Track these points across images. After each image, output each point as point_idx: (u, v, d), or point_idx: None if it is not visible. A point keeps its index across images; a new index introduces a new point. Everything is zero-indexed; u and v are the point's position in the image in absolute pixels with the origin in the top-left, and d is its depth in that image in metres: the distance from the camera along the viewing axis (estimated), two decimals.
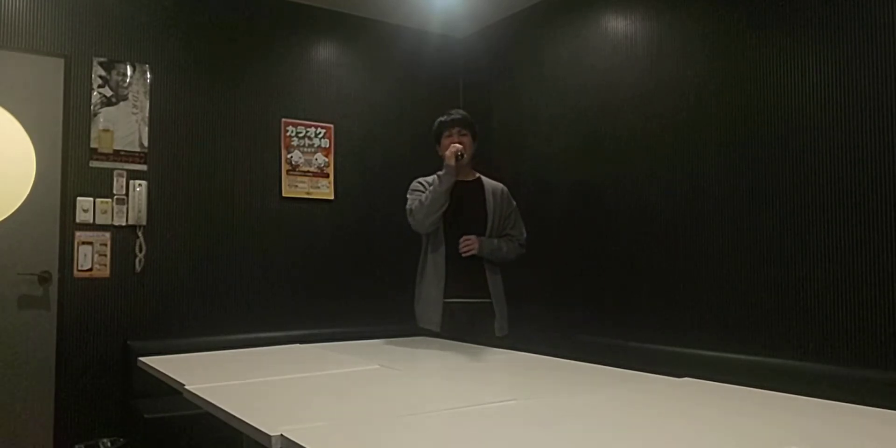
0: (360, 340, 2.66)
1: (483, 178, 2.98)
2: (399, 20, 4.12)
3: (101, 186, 3.25)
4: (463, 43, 4.39)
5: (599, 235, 3.40)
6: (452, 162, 2.71)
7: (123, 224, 3.29)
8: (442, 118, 2.93)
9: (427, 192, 2.77)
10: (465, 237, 2.80)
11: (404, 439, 1.14)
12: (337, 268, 3.87)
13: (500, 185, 2.99)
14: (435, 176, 2.79)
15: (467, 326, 2.81)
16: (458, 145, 2.76)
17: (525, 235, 3.00)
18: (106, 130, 3.28)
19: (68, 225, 3.17)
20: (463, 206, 2.86)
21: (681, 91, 3.04)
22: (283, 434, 1.16)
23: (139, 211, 3.29)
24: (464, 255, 2.79)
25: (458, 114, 2.93)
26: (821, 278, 2.53)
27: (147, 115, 3.38)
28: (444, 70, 4.32)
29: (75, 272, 3.17)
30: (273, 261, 3.69)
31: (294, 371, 1.87)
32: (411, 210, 2.82)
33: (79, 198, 3.20)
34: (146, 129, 3.37)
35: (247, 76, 3.67)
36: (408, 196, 2.88)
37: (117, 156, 3.30)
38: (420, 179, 2.92)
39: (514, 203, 3.01)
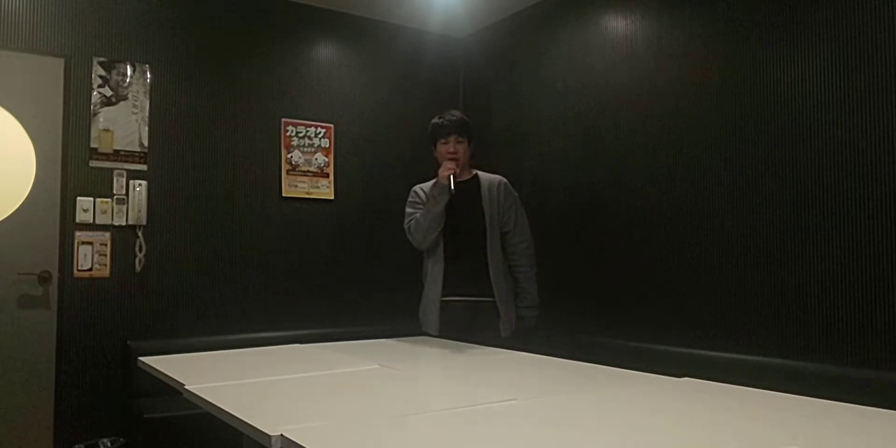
0: (360, 340, 2.67)
1: (480, 174, 2.95)
2: (399, 20, 4.12)
3: (101, 186, 3.25)
4: (463, 43, 4.38)
5: (599, 235, 3.40)
6: (446, 183, 2.67)
7: (123, 224, 3.28)
8: (436, 121, 2.88)
9: (423, 210, 2.76)
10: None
11: (404, 439, 1.14)
12: (337, 268, 3.87)
13: (497, 177, 2.94)
14: (430, 191, 2.76)
15: (467, 326, 2.81)
16: (451, 166, 2.70)
17: (529, 236, 2.94)
18: (106, 130, 3.28)
19: (68, 225, 3.17)
20: (459, 206, 2.82)
21: (681, 91, 3.04)
22: (283, 434, 1.16)
23: (139, 211, 3.29)
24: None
25: (452, 116, 2.87)
26: (821, 278, 2.53)
27: (147, 114, 3.38)
28: (444, 70, 4.32)
29: (75, 272, 3.17)
30: (273, 261, 3.68)
31: (294, 371, 1.87)
32: (409, 230, 2.82)
33: (79, 198, 3.19)
34: (146, 129, 3.37)
35: (247, 76, 3.67)
36: (406, 209, 2.87)
37: (117, 156, 3.30)
38: (417, 188, 2.90)
39: (516, 194, 2.96)
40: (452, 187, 2.66)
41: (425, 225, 2.74)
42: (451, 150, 2.81)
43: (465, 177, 2.92)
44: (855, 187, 2.44)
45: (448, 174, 2.67)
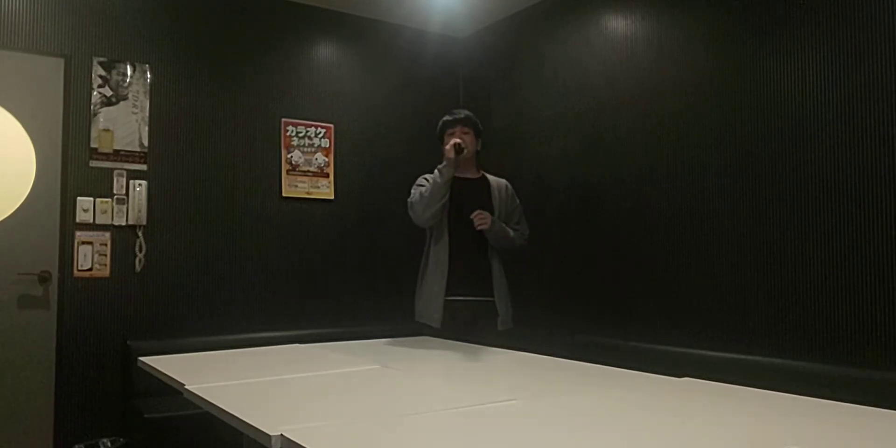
0: (360, 340, 2.67)
1: (487, 175, 3.02)
2: (399, 20, 4.12)
3: (101, 186, 3.25)
4: (463, 43, 4.38)
5: (599, 235, 3.40)
6: (452, 155, 2.76)
7: (123, 224, 3.28)
8: (446, 118, 2.99)
9: (427, 185, 2.80)
10: (478, 212, 2.81)
11: (404, 439, 1.14)
12: (337, 268, 3.87)
13: (503, 181, 3.05)
14: (436, 170, 2.81)
15: (469, 324, 2.82)
16: (457, 139, 2.81)
17: (528, 232, 3.06)
18: (106, 130, 3.28)
19: (68, 225, 3.17)
20: (468, 203, 2.88)
21: (681, 91, 3.04)
22: (283, 434, 1.16)
23: (139, 211, 3.29)
24: (478, 227, 2.81)
25: (461, 113, 2.98)
26: (821, 277, 2.53)
27: (147, 115, 3.38)
28: (444, 70, 4.32)
29: (75, 272, 3.17)
30: (273, 261, 3.68)
31: (294, 371, 1.87)
32: (412, 203, 2.85)
33: (79, 198, 3.19)
34: (146, 129, 3.37)
35: (247, 76, 3.67)
36: (412, 190, 2.91)
37: (117, 156, 3.30)
38: (426, 175, 2.94)
39: (518, 200, 3.06)
40: (458, 153, 2.75)
41: (428, 196, 2.77)
42: (457, 138, 2.88)
43: (474, 175, 2.97)
44: (855, 187, 2.44)
45: (453, 145, 2.76)
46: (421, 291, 2.91)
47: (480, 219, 2.81)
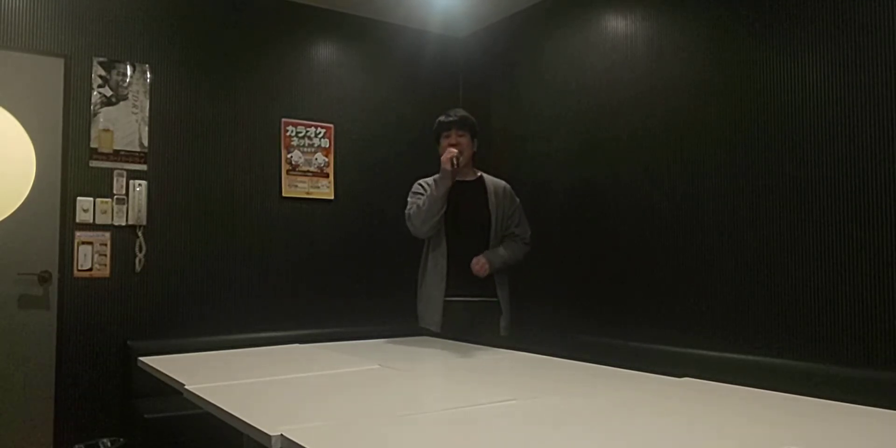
0: (360, 340, 2.67)
1: (485, 176, 2.99)
2: (399, 20, 4.12)
3: (101, 186, 3.25)
4: (463, 43, 4.38)
5: (599, 235, 3.40)
6: (448, 167, 2.71)
7: (123, 224, 3.28)
8: (441, 118, 2.94)
9: (424, 197, 2.78)
10: (474, 260, 2.78)
11: (404, 439, 1.14)
12: (337, 267, 3.87)
13: (502, 182, 3.01)
14: (433, 179, 2.80)
15: (469, 325, 2.82)
16: (453, 150, 2.76)
17: (529, 232, 3.01)
18: (106, 130, 3.28)
19: (68, 225, 3.17)
20: (465, 206, 2.86)
21: (681, 91, 3.04)
22: (283, 434, 1.16)
23: (139, 211, 3.29)
24: (482, 277, 2.78)
25: (456, 114, 2.92)
26: (821, 277, 2.53)
27: (147, 115, 3.38)
28: (444, 70, 4.32)
29: (75, 272, 3.17)
30: (273, 261, 3.68)
31: (294, 371, 1.87)
32: (409, 215, 2.82)
33: (79, 198, 3.19)
34: (146, 129, 3.37)
35: (247, 76, 3.67)
36: (408, 199, 2.89)
37: (117, 156, 3.30)
38: (421, 181, 2.92)
39: (518, 200, 3.02)
40: (455, 166, 2.71)
41: (425, 209, 2.75)
42: (453, 142, 2.85)
43: (471, 177, 2.94)
44: (856, 186, 2.44)
45: (450, 157, 2.72)
46: (421, 296, 2.90)
47: (479, 268, 2.77)
